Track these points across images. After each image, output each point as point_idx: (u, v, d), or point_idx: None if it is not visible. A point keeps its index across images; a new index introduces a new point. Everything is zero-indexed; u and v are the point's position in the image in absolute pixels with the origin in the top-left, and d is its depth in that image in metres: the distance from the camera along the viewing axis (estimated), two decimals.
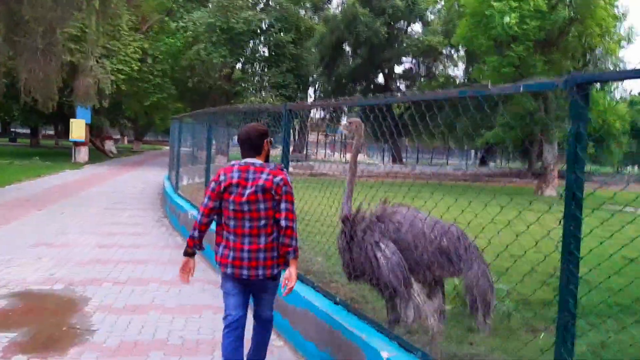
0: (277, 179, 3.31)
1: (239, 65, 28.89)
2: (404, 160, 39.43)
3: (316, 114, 44.71)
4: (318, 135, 47.36)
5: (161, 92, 27.04)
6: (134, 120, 52.55)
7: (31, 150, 35.06)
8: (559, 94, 22.52)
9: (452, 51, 35.11)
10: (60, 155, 29.27)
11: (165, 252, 7.98)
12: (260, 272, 3.30)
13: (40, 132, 61.84)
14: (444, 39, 30.48)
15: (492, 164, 43.75)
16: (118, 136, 62.17)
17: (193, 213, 8.55)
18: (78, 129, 25.11)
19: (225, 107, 6.89)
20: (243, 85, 26.73)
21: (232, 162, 3.47)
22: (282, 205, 3.31)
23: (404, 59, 34.59)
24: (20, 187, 14.86)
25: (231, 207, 3.30)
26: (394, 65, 37.40)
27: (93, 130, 39.13)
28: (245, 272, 3.29)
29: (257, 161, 3.40)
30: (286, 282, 3.31)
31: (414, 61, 36.95)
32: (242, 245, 3.29)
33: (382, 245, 3.46)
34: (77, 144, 25.63)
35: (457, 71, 38.78)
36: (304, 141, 40.53)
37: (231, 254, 3.32)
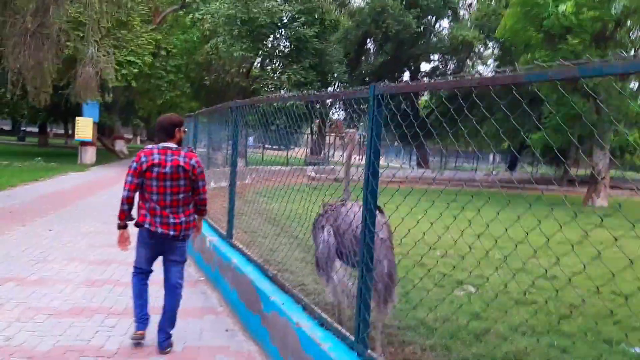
0: (193, 161, 4.25)
1: (257, 62, 26.81)
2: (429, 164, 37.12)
3: (335, 113, 42.64)
4: (335, 136, 45.27)
5: (175, 89, 25.06)
6: (146, 120, 50.95)
7: (38, 150, 33.34)
8: (615, 94, 20.26)
9: (483, 48, 32.83)
10: (68, 155, 27.44)
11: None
12: (172, 233, 4.18)
13: (51, 131, 60.73)
14: (479, 33, 28.24)
15: (518, 169, 41.16)
16: (130, 136, 60.58)
17: (213, 239, 6.48)
18: (85, 127, 23.21)
19: (292, 95, 5.06)
20: (262, 82, 24.65)
21: (150, 146, 4.26)
22: (199, 184, 4.30)
23: (432, 55, 32.34)
24: (11, 193, 12.89)
25: (154, 184, 4.15)
26: (421, 62, 35.21)
27: (105, 129, 37.53)
28: (159, 229, 4.14)
29: (173, 145, 4.27)
30: (197, 231, 4.57)
31: (440, 58, 34.71)
32: (166, 213, 4.15)
33: (325, 229, 3.99)
34: (83, 143, 23.74)
35: (487, 69, 36.49)
36: (322, 142, 38.28)
37: (157, 219, 4.15)
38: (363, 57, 31.81)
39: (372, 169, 3.11)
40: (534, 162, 43.22)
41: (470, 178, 33.26)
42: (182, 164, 4.15)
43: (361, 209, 3.41)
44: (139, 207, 4.22)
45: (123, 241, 4.28)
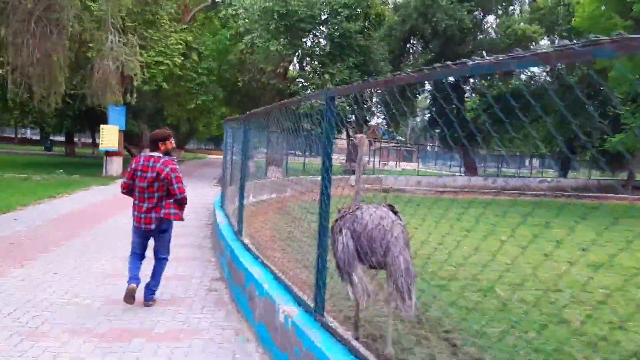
0: (167, 168, 5.28)
1: (294, 62, 24.54)
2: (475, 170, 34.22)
3: (372, 118, 40.20)
4: (370, 142, 42.75)
5: (206, 93, 22.96)
6: (175, 127, 49.31)
7: (64, 160, 31.73)
8: None
9: (548, 42, 29.92)
10: (94, 166, 25.59)
11: None
12: (153, 226, 5.35)
13: (80, 140, 59.73)
14: (539, 27, 25.48)
15: (570, 174, 37.76)
16: None
17: (287, 309, 4.05)
18: (110, 136, 21.25)
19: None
20: (301, 84, 22.35)
21: (142, 154, 5.55)
22: (174, 186, 5.29)
23: (485, 53, 29.51)
24: (19, 216, 10.79)
25: (137, 185, 5.33)
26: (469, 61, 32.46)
27: (133, 138, 35.80)
28: (143, 225, 5.36)
29: (157, 154, 5.37)
30: (180, 219, 5.51)
31: (492, 56, 31.84)
32: (144, 209, 5.33)
33: (343, 232, 4.01)
34: (109, 154, 21.79)
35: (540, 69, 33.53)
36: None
37: (139, 215, 5.38)
38: (405, 56, 29.27)
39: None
40: (588, 168, 39.80)
41: (523, 185, 30.37)
42: (158, 169, 5.24)
43: (376, 211, 4.02)
44: (132, 205, 5.45)
45: None
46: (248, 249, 5.95)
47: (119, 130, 21.58)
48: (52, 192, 14.59)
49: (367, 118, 33.24)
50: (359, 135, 4.61)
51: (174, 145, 5.61)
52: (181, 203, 5.40)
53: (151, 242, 5.59)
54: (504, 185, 29.17)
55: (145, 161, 5.31)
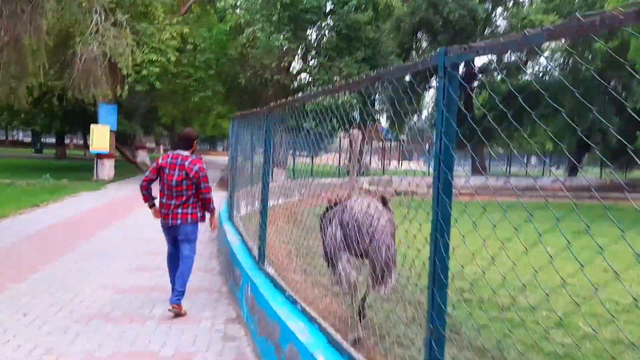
0: (196, 167, 5.24)
1: (298, 56, 22.97)
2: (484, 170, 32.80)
3: (380, 117, 38.71)
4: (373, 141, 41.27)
5: (205, 89, 21.38)
6: (170, 127, 47.76)
7: (53, 163, 30.12)
8: None
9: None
10: (84, 169, 24.03)
11: None
12: (179, 221, 5.25)
13: (71, 142, 57.98)
14: (557, 17, 24.08)
15: (580, 173, 36.33)
16: (153, 145, 57.54)
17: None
18: (100, 137, 19.70)
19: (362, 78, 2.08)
20: (307, 78, 20.86)
21: (169, 152, 5.56)
22: (202, 185, 5.27)
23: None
24: None
25: (166, 183, 5.27)
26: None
27: (126, 139, 34.17)
28: (170, 221, 5.27)
29: (185, 152, 5.34)
30: (212, 226, 5.73)
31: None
32: (172, 206, 5.26)
33: (333, 222, 4.07)
34: (100, 156, 20.23)
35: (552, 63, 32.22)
36: (361, 148, 34.11)
37: (165, 211, 5.30)
38: (416, 49, 27.85)
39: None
40: (600, 166, 38.35)
41: (535, 185, 28.93)
42: (186, 169, 5.22)
43: (365, 201, 4.04)
44: (159, 203, 5.38)
45: (156, 215, 5.45)
46: (277, 285, 4.49)
47: (110, 131, 20.03)
48: (36, 199, 13.06)
49: (373, 114, 31.80)
50: (353, 131, 4.67)
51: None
52: (209, 204, 5.41)
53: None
54: (517, 185, 27.75)
55: (173, 159, 5.29)
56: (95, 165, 20.32)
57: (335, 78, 20.16)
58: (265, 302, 4.19)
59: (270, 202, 10.57)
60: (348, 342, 3.23)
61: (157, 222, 5.49)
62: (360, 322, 4.12)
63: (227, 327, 4.93)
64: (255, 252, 5.49)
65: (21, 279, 6.21)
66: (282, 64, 21.68)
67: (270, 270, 4.90)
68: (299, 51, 21.73)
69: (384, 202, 4.28)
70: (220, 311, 5.37)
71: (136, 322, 4.92)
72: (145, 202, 5.42)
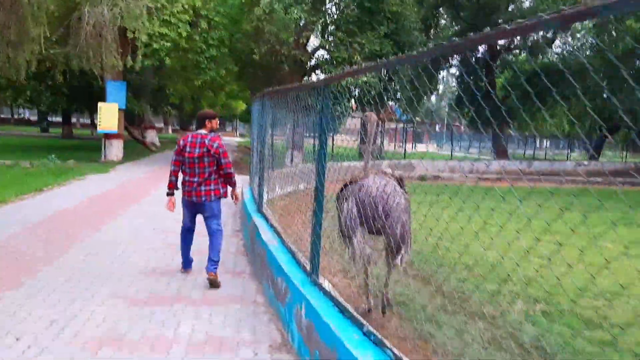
0: (215, 144, 5.39)
1: (317, 32, 21.62)
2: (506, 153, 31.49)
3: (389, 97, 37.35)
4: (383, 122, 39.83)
5: (217, 68, 20.18)
6: (178, 107, 46.61)
7: (60, 142, 29.15)
8: None
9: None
10: (92, 150, 23.01)
11: None
12: (204, 198, 5.44)
13: (78, 121, 56.94)
14: None
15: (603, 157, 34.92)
16: (161, 125, 56.44)
17: None
18: (109, 116, 18.62)
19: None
20: (325, 56, 19.59)
21: (188, 133, 5.68)
22: (222, 161, 5.44)
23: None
24: None
25: (187, 161, 5.42)
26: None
27: (134, 118, 33.09)
28: (194, 198, 5.45)
29: (203, 131, 5.51)
30: (234, 199, 5.85)
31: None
32: (195, 184, 5.43)
33: (349, 199, 4.23)
34: (108, 136, 19.18)
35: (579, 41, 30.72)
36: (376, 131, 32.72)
37: (189, 189, 5.46)
38: (436, 26, 26.45)
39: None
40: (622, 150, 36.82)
41: (559, 169, 27.68)
42: (207, 146, 5.38)
43: (382, 181, 4.24)
44: (182, 181, 5.59)
45: (170, 206, 5.66)
46: (340, 308, 3.43)
47: (119, 109, 18.95)
48: (40, 183, 12.05)
49: (388, 96, 30.48)
50: (368, 113, 4.66)
51: (218, 125, 5.77)
52: (230, 178, 5.56)
53: (201, 219, 5.66)
54: (540, 170, 26.50)
55: (193, 138, 5.47)
56: (103, 146, 19.28)
57: (356, 57, 18.95)
58: (332, 337, 3.13)
59: (288, 189, 9.41)
60: None
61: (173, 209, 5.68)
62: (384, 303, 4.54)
63: (274, 356, 3.88)
64: (302, 258, 4.43)
65: (16, 285, 5.19)
66: (300, 40, 20.43)
67: (327, 285, 3.84)
68: (318, 25, 20.43)
69: (401, 183, 4.47)
70: (261, 333, 4.31)
71: (158, 350, 3.88)
72: (170, 188, 5.65)
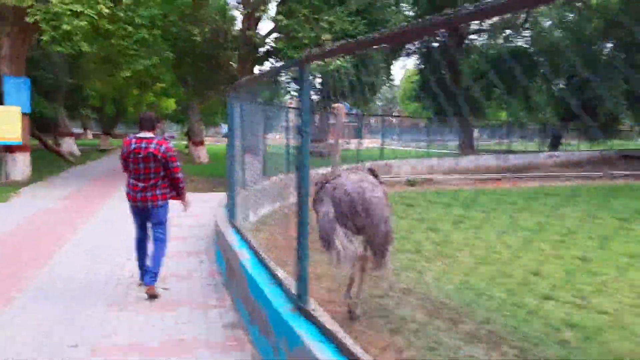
0: (163, 147, 5.07)
1: (272, 6, 17.90)
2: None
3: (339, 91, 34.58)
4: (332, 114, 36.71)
5: (150, 54, 16.08)
6: (99, 110, 41.12)
7: None
8: None
9: None
10: None
11: None
12: (150, 204, 5.13)
13: None
14: None
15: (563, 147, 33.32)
16: (80, 130, 50.48)
17: None
18: (9, 122, 14.17)
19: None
20: (288, 35, 16.03)
21: (130, 136, 5.28)
22: (170, 165, 5.12)
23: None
24: None
25: (132, 166, 5.13)
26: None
27: (46, 125, 27.92)
28: (139, 203, 5.15)
29: (149, 134, 5.15)
30: (184, 205, 5.46)
31: None
32: (140, 189, 5.12)
33: (324, 201, 4.04)
34: (9, 149, 14.69)
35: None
36: (327, 125, 28.88)
37: (134, 194, 5.15)
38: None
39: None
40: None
41: (530, 163, 25.52)
42: (152, 150, 5.05)
43: (356, 176, 4.12)
44: (126, 185, 5.28)
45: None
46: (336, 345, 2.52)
47: (23, 114, 14.52)
48: None
49: (342, 90, 27.26)
50: (336, 105, 4.60)
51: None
52: (178, 184, 5.29)
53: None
54: (515, 164, 24.25)
55: (137, 142, 5.16)
56: (2, 163, 14.76)
57: (324, 37, 15.59)
58: None
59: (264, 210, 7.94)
60: None
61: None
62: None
63: None
64: (289, 281, 3.43)
65: None
66: (252, 19, 16.79)
67: (317, 314, 2.87)
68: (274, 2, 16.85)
69: (374, 174, 4.38)
70: None
71: None
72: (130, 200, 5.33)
